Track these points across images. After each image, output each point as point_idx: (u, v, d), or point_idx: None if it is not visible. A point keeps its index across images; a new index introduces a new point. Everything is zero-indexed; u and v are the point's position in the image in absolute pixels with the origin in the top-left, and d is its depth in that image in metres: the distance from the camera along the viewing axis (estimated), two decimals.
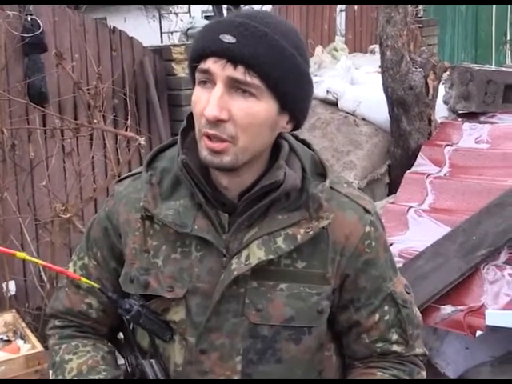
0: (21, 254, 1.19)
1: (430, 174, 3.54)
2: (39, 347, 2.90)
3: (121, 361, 1.30)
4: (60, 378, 1.25)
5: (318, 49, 5.86)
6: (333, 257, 1.17)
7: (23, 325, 3.16)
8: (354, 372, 1.26)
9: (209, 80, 1.08)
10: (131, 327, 1.29)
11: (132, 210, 1.22)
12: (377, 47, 4.98)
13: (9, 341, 3.09)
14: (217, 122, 1.06)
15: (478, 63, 6.20)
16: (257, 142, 1.11)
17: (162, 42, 9.90)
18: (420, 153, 3.72)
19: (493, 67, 5.32)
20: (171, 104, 4.33)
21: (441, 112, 4.12)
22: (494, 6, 8.57)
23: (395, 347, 1.23)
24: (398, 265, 2.91)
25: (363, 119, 4.29)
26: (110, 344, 1.32)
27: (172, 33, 10.38)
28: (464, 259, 2.83)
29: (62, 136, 3.62)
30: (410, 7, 3.98)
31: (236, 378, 1.17)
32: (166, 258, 1.18)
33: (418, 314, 1.28)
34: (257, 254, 1.13)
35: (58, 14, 3.80)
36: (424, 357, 1.28)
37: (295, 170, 1.16)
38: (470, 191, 3.30)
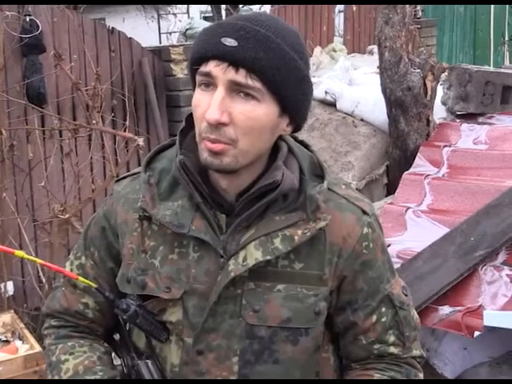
0: (19, 253, 1.20)
1: (428, 175, 3.55)
2: (37, 348, 2.90)
3: (117, 361, 1.30)
4: (56, 378, 1.25)
5: (317, 49, 5.88)
6: (330, 258, 1.18)
7: (21, 325, 3.17)
8: (351, 374, 1.26)
9: (210, 83, 1.08)
10: (127, 328, 1.29)
11: (130, 211, 1.22)
12: (375, 48, 4.99)
13: (7, 341, 3.09)
14: (218, 126, 1.07)
15: (477, 64, 6.20)
16: (257, 145, 1.11)
17: (160, 42, 9.91)
18: (418, 153, 3.73)
19: (491, 68, 5.33)
20: (170, 105, 4.33)
21: (439, 113, 4.12)
22: (492, 7, 8.58)
23: (392, 349, 1.23)
24: (396, 265, 2.92)
25: (361, 120, 4.29)
26: (106, 344, 1.32)
27: (170, 33, 10.39)
28: (462, 260, 2.83)
29: (61, 137, 3.62)
30: (408, 8, 3.98)
31: (233, 378, 1.17)
32: (163, 258, 1.18)
33: (416, 315, 1.29)
34: (254, 254, 1.13)
35: (57, 14, 3.80)
36: (421, 359, 1.28)
37: (293, 172, 1.17)
38: (468, 192, 3.31)
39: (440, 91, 4.07)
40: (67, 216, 3.18)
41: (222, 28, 1.08)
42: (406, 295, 1.26)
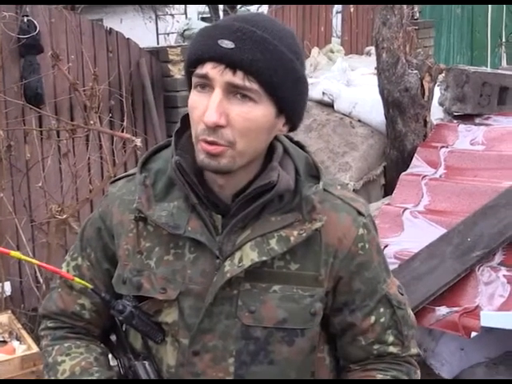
0: (15, 253, 1.20)
1: (425, 176, 3.55)
2: (35, 348, 2.90)
3: (114, 362, 1.30)
4: (53, 379, 1.25)
5: (314, 50, 5.88)
6: (326, 259, 1.18)
7: (19, 326, 3.16)
8: (351, 375, 1.26)
9: (206, 85, 1.08)
10: (124, 328, 1.29)
11: (126, 212, 1.22)
12: (373, 49, 4.99)
13: (4, 342, 3.09)
14: (215, 128, 1.07)
15: (474, 65, 6.22)
16: (254, 146, 1.12)
17: (158, 43, 9.91)
18: (415, 154, 3.73)
19: (488, 69, 5.33)
20: (167, 105, 4.33)
21: (436, 114, 4.13)
22: (490, 8, 8.59)
23: (391, 348, 1.24)
24: (394, 266, 2.93)
25: (359, 121, 4.30)
26: (102, 345, 1.32)
27: (168, 34, 10.39)
28: (459, 260, 2.84)
29: (58, 137, 3.62)
30: (405, 9, 3.99)
31: (229, 379, 1.17)
32: (158, 259, 1.18)
33: (412, 314, 1.29)
34: (250, 255, 1.13)
35: (55, 15, 3.80)
36: (418, 356, 1.29)
37: (288, 172, 1.17)
38: (465, 193, 3.31)
39: (437, 92, 4.08)
40: (65, 216, 3.18)
41: (219, 29, 1.08)
42: (402, 294, 1.27)
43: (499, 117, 3.96)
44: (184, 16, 11.00)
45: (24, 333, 3.09)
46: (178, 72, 4.26)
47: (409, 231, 3.23)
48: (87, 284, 1.23)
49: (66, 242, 3.58)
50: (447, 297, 2.76)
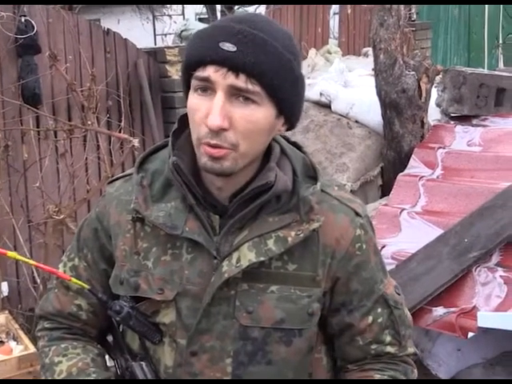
0: (12, 254, 1.20)
1: (422, 177, 3.55)
2: (32, 348, 2.90)
3: (111, 363, 1.30)
4: (50, 379, 1.25)
5: (312, 51, 5.88)
6: (323, 259, 1.18)
7: (16, 326, 3.16)
8: (349, 375, 1.27)
9: (208, 88, 1.08)
10: (121, 329, 1.29)
11: (123, 212, 1.22)
12: (370, 50, 5.00)
13: (1, 342, 3.09)
14: (218, 131, 1.07)
15: (471, 66, 6.23)
16: (256, 148, 1.12)
17: (155, 43, 9.91)
18: (413, 155, 3.73)
19: (485, 71, 5.34)
20: (165, 106, 4.33)
21: (433, 115, 4.13)
22: (487, 10, 8.61)
23: (389, 348, 1.24)
24: (391, 267, 2.93)
25: (356, 122, 4.30)
26: (99, 346, 1.31)
27: (166, 35, 10.39)
28: (456, 261, 2.84)
29: (56, 137, 3.62)
30: (403, 10, 3.99)
31: (226, 379, 1.17)
32: (156, 259, 1.18)
33: (409, 314, 1.30)
34: (247, 256, 1.13)
35: (52, 15, 3.80)
36: (415, 356, 1.29)
37: (286, 173, 1.17)
38: (462, 194, 3.31)
39: (434, 93, 4.08)
40: (62, 217, 3.18)
41: (219, 31, 1.08)
42: (399, 294, 1.27)
43: (496, 118, 3.96)
44: (182, 17, 11.01)
45: (21, 333, 3.09)
46: (175, 73, 4.26)
47: (406, 232, 3.23)
48: (84, 284, 1.23)
49: (63, 242, 3.58)
50: (444, 297, 2.76)
